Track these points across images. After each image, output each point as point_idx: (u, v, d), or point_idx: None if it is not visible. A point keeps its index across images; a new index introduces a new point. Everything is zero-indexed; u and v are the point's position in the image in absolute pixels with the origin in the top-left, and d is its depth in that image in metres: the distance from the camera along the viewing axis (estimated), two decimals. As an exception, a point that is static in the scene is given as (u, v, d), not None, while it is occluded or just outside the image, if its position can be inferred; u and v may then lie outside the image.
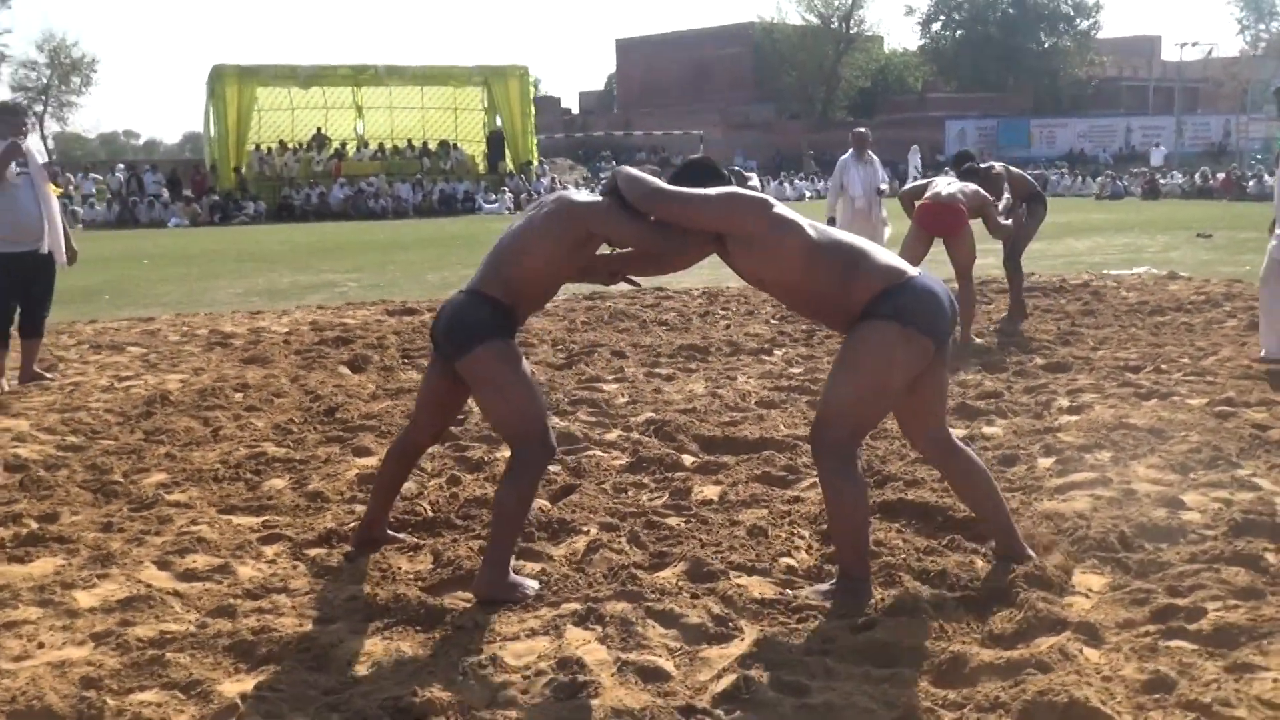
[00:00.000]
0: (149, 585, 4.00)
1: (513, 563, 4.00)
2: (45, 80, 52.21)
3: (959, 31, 66.16)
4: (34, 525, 4.61)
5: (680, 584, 3.95)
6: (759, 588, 3.93)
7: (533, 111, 41.77)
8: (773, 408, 6.48)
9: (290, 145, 40.32)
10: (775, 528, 4.48)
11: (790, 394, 6.82)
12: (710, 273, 11.40)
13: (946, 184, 8.78)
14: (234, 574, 4.14)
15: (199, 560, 4.25)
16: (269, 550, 4.40)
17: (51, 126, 52.92)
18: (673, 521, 4.60)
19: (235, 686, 3.26)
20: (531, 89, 41.12)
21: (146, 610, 3.80)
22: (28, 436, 6.08)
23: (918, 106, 60.81)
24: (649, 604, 3.73)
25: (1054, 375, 7.23)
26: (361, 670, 3.38)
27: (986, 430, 5.88)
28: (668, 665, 3.35)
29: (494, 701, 3.17)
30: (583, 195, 4.11)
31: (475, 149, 42.48)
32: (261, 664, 3.44)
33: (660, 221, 3.92)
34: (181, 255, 21.27)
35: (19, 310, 7.71)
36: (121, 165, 41.52)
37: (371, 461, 5.49)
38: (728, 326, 9.59)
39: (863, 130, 12.83)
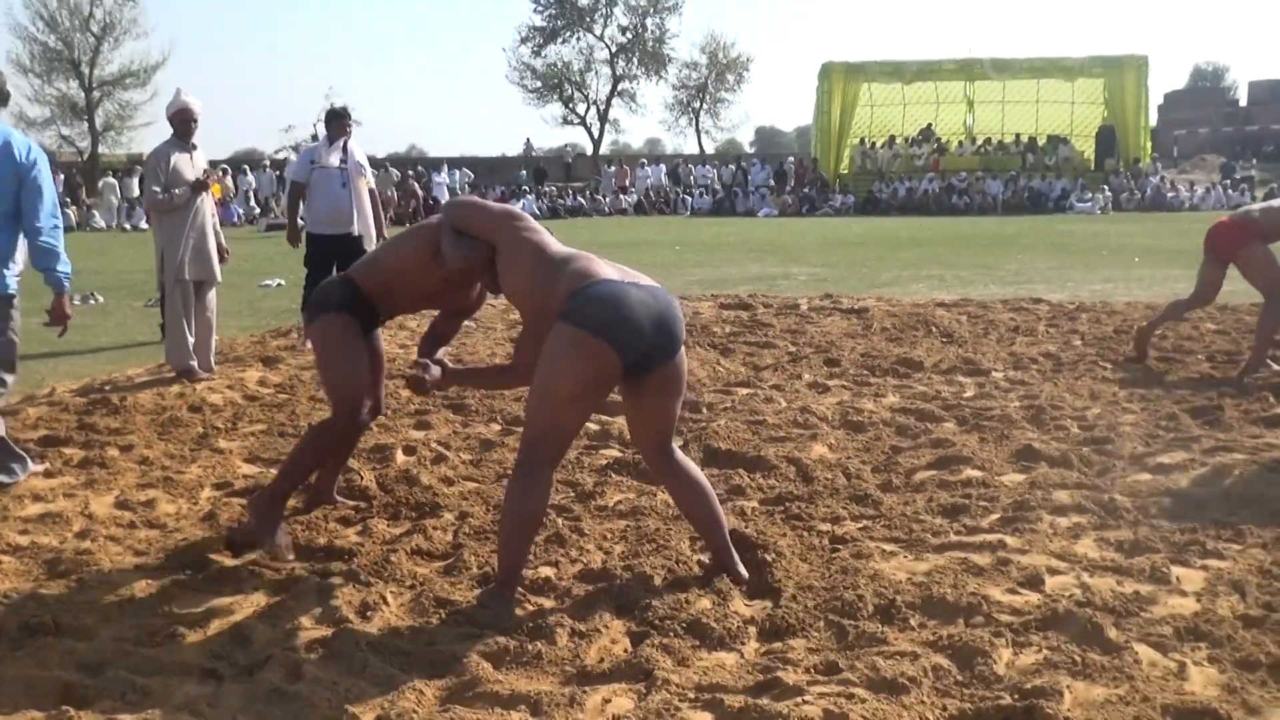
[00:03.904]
0: (84, 508, 4.95)
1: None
2: (703, 79, 57.39)
3: None
4: (106, 452, 5.80)
5: (418, 574, 4.16)
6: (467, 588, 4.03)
7: (1147, 104, 38.87)
8: (842, 429, 6.13)
9: (899, 140, 41.07)
10: (585, 538, 4.46)
11: (904, 415, 6.35)
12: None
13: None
14: (154, 509, 4.98)
15: (148, 495, 5.15)
16: (206, 494, 5.19)
17: (705, 122, 57.98)
18: (528, 520, 4.72)
19: (-8, 590, 4.07)
20: (1147, 80, 38.18)
21: (49, 526, 4.75)
22: (239, 386, 7.43)
23: None
24: (336, 582, 4.02)
25: (1249, 430, 5.98)
26: (86, 596, 4.02)
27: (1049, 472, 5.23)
28: (264, 633, 3.65)
29: (109, 632, 3.68)
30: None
31: (1087, 144, 40.38)
32: (52, 579, 4.20)
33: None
34: (708, 244, 22.88)
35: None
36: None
37: (419, 435, 6.11)
38: (1011, 344, 8.81)
39: None
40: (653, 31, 55.70)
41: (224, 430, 6.31)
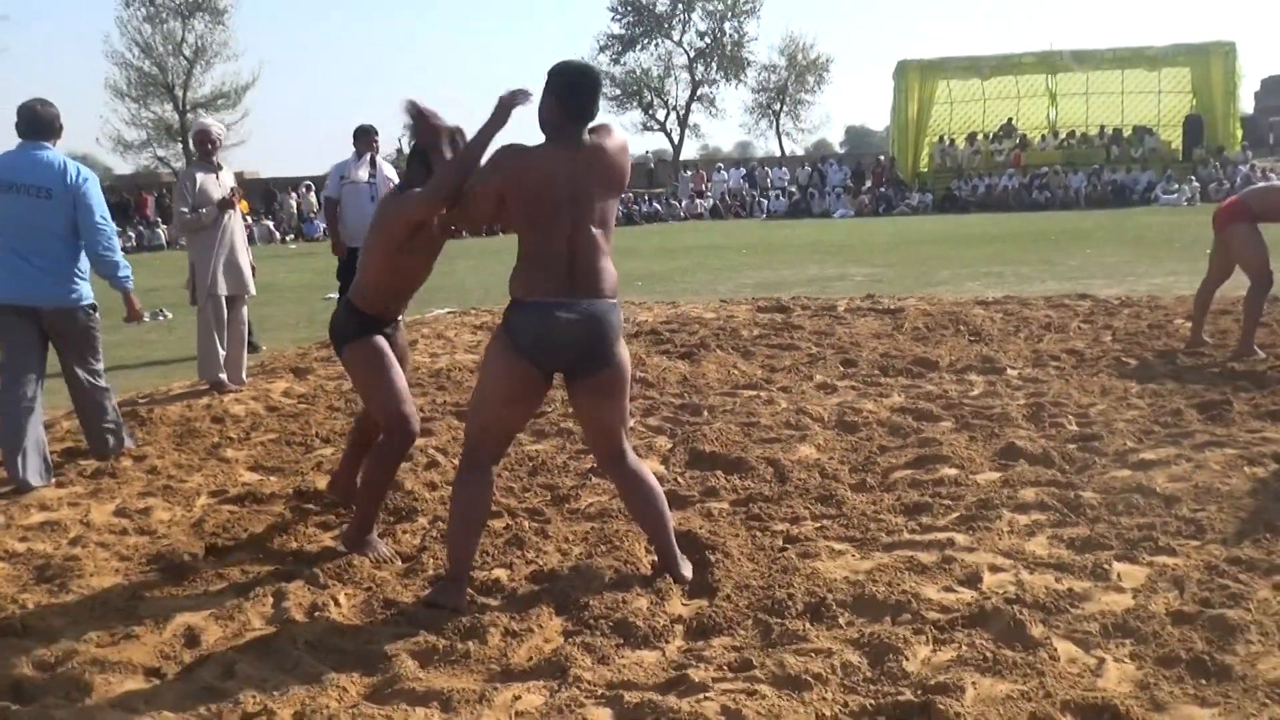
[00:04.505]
0: (84, 516, 5.18)
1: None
2: (782, 81, 57.17)
3: None
4: (120, 463, 6.04)
5: (376, 577, 4.29)
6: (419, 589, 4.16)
7: (1237, 92, 37.77)
8: (834, 430, 6.14)
9: (980, 136, 40.48)
10: (547, 540, 4.56)
11: (901, 415, 6.33)
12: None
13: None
14: (149, 517, 5.18)
15: (146, 503, 5.36)
16: (202, 502, 5.39)
17: (786, 124, 57.75)
18: (498, 524, 4.84)
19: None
20: (1239, 67, 37.10)
21: (47, 534, 4.98)
22: (264, 397, 7.67)
23: None
24: (295, 585, 4.16)
25: (1251, 425, 5.87)
26: (61, 599, 4.21)
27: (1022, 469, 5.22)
28: (214, 632, 3.82)
29: (72, 633, 3.88)
30: (400, 195, 4.51)
31: (1175, 134, 39.37)
32: (38, 583, 4.41)
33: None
34: (775, 246, 22.83)
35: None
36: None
37: (420, 441, 6.24)
38: (1039, 341, 8.71)
39: None
40: (731, 35, 55.63)
41: (236, 440, 6.53)
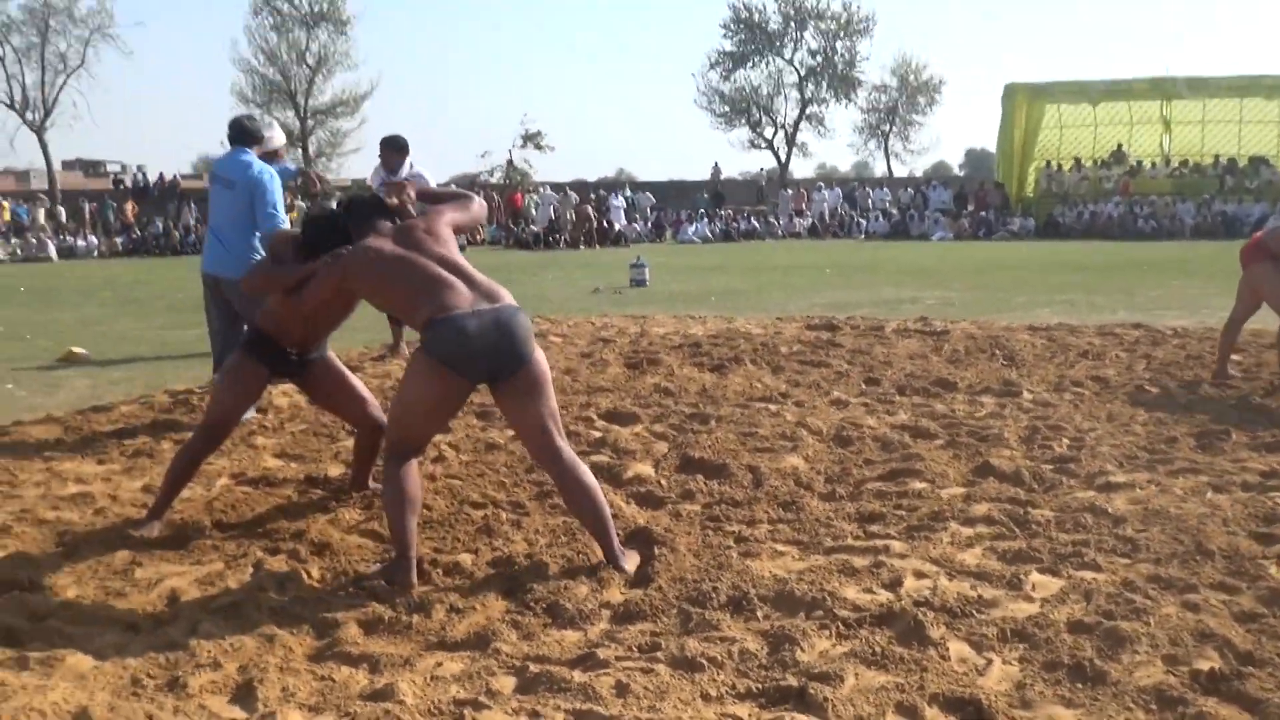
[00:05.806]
0: (113, 491, 5.64)
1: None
2: (893, 101, 56.93)
3: None
4: (160, 444, 6.53)
5: (351, 555, 4.65)
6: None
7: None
8: (828, 443, 6.33)
9: (1089, 162, 39.88)
10: (519, 530, 4.88)
11: (899, 432, 6.50)
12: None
13: None
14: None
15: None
16: (222, 483, 5.81)
17: (895, 145, 57.54)
18: (477, 513, 5.16)
19: None
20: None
21: (76, 505, 5.42)
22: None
23: None
24: (276, 559, 4.55)
25: (1240, 455, 5.93)
26: (71, 563, 4.65)
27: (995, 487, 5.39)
28: (193, 594, 4.21)
29: (72, 591, 4.31)
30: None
31: (1292, 165, 38.26)
32: (57, 547, 4.86)
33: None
34: (861, 267, 22.87)
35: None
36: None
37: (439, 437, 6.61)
38: (1070, 367, 8.76)
39: None
40: (842, 55, 55.59)
41: (270, 429, 6.97)
